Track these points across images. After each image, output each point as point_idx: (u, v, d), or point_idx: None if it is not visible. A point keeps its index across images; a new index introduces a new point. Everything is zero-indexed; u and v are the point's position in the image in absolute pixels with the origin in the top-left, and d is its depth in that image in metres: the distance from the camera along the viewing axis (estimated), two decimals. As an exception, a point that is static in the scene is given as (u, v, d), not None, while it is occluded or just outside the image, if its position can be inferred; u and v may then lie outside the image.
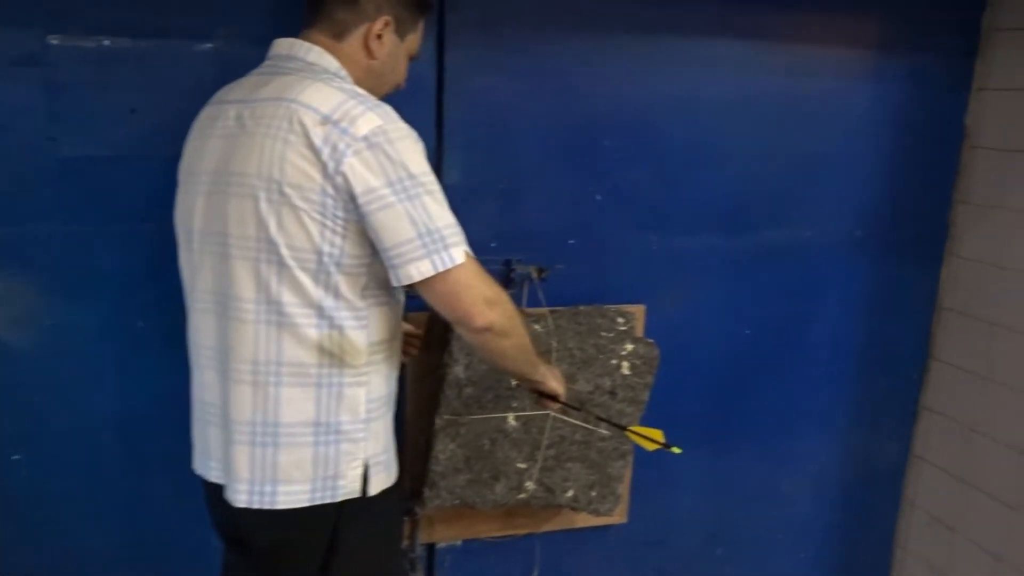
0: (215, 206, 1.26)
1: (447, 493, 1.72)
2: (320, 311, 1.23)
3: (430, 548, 1.94)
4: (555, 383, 1.49)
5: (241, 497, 1.27)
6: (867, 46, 1.93)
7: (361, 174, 1.16)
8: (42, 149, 1.49)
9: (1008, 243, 1.97)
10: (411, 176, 1.18)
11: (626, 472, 1.87)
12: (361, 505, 1.32)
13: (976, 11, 1.99)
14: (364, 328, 1.27)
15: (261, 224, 1.20)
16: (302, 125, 1.16)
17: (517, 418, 1.72)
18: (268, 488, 1.26)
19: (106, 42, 1.48)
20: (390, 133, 1.18)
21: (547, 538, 2.01)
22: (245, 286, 1.23)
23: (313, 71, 1.25)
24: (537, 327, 1.73)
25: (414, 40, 1.39)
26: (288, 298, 1.22)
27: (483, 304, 1.22)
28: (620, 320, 1.81)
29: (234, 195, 1.22)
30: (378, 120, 1.17)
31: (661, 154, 1.84)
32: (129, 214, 1.55)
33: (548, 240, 1.82)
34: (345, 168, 1.15)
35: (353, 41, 1.29)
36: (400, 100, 1.64)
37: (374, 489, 1.32)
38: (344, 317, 1.24)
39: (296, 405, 1.25)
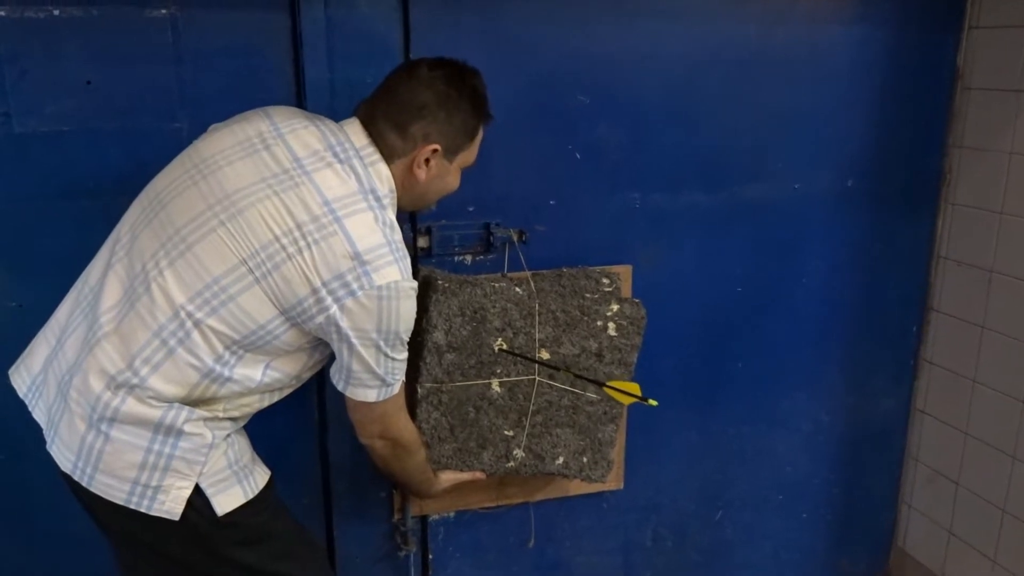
0: (198, 212, 1.22)
1: (433, 464, 1.68)
2: (217, 361, 1.22)
3: (423, 521, 1.91)
4: (436, 492, 1.68)
5: (66, 464, 1.25)
6: (850, -15, 1.86)
7: (359, 315, 1.22)
8: (-6, 126, 1.44)
9: (1005, 187, 1.90)
10: (397, 334, 1.27)
11: (618, 437, 1.83)
12: (224, 523, 1.28)
13: (965, -54, 1.91)
14: (242, 389, 1.27)
15: (225, 276, 1.20)
16: (332, 250, 1.20)
17: (501, 384, 1.68)
18: (89, 471, 1.23)
19: (55, 12, 1.43)
20: (402, 290, 1.24)
21: (542, 507, 1.98)
22: (171, 301, 1.20)
23: (366, 188, 1.27)
24: (519, 291, 1.69)
25: (468, 154, 1.41)
26: (198, 336, 1.20)
27: (377, 437, 1.41)
28: (605, 281, 1.77)
29: (223, 229, 1.21)
30: (397, 275, 1.23)
31: (636, 110, 1.78)
32: (87, 190, 1.51)
33: (527, 202, 1.77)
34: (348, 303, 1.21)
35: (400, 164, 1.33)
36: (366, 61, 1.61)
37: (225, 507, 1.27)
38: (231, 378, 1.24)
39: (138, 415, 1.21)
